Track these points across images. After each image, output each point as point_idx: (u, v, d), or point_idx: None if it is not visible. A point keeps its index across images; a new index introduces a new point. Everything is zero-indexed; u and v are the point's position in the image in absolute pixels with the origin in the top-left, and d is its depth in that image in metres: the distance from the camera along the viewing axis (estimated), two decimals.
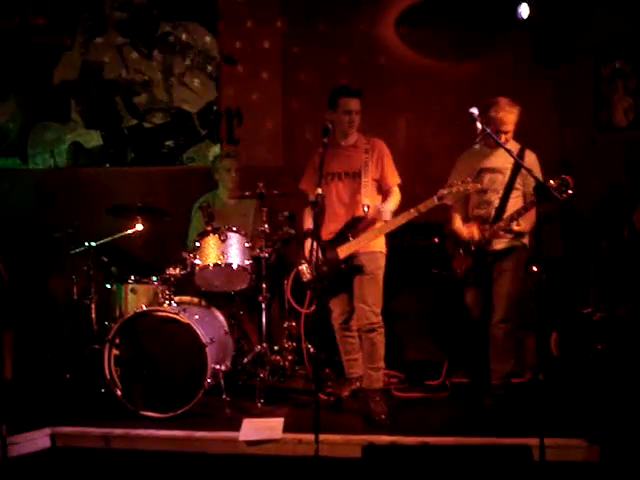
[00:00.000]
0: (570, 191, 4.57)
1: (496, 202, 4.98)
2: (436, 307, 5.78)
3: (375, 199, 4.87)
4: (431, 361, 5.66)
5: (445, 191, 4.61)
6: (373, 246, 4.85)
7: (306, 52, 6.74)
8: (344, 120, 4.86)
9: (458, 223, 5.07)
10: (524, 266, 5.08)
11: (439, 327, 5.74)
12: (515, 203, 4.96)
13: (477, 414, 4.82)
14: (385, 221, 4.75)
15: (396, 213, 4.80)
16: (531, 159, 4.95)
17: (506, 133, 4.89)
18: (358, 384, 5.18)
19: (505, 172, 4.97)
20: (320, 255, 4.78)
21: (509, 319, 4.94)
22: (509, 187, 4.96)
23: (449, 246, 5.19)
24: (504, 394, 4.94)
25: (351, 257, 4.82)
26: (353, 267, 4.82)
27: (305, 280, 4.96)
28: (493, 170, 5.00)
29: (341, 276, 4.85)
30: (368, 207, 4.78)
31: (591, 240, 5.76)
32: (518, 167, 4.86)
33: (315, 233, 4.46)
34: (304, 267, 4.95)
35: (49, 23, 6.98)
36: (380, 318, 4.82)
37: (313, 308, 5.14)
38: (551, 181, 4.58)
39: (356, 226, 4.83)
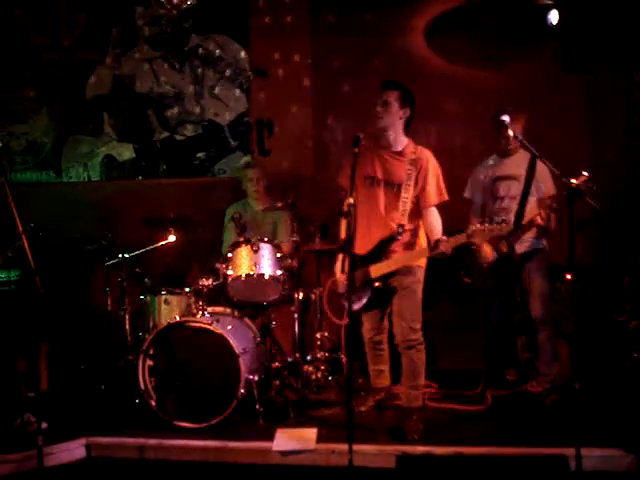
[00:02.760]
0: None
1: (514, 208, 5.08)
2: (470, 316, 5.74)
3: (410, 216, 4.67)
4: (465, 370, 5.62)
5: (476, 228, 4.34)
6: (408, 261, 4.70)
7: (336, 62, 6.74)
8: (373, 113, 4.70)
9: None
10: (547, 268, 5.18)
11: (473, 336, 5.69)
12: (532, 209, 5.07)
13: (512, 424, 4.77)
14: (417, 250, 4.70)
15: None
16: (542, 167, 5.01)
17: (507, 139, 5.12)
18: (383, 394, 5.16)
19: (520, 179, 5.10)
20: (353, 270, 4.73)
21: (548, 320, 5.08)
22: (525, 193, 5.07)
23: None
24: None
25: (386, 276, 4.68)
26: (387, 286, 4.69)
27: (341, 291, 4.87)
28: (508, 177, 5.16)
29: (376, 293, 4.73)
30: (403, 227, 4.64)
31: (626, 248, 5.69)
32: (531, 173, 5.02)
33: (348, 245, 4.35)
34: (338, 279, 4.89)
35: (81, 38, 7.08)
36: (419, 334, 4.69)
37: (346, 320, 5.11)
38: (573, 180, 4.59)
39: (389, 247, 4.68)
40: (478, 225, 4.34)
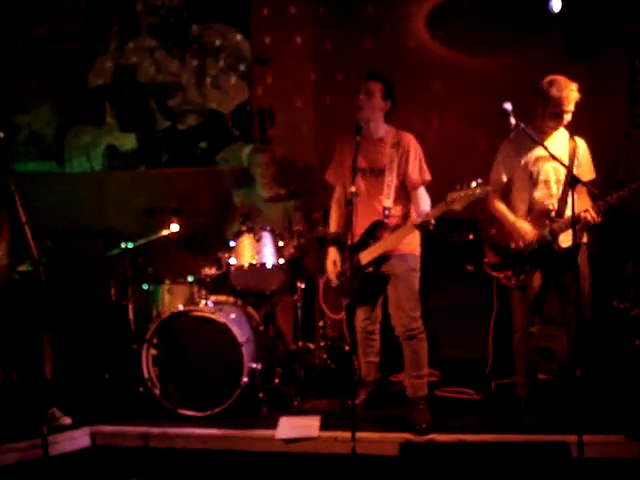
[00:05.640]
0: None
1: (558, 193, 4.60)
2: (470, 304, 5.74)
3: (399, 201, 4.67)
4: (466, 359, 5.63)
5: (454, 195, 4.29)
6: (403, 248, 4.65)
7: (338, 49, 6.72)
8: (355, 101, 4.68)
9: (512, 219, 4.65)
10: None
11: (475, 324, 5.70)
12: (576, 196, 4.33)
13: (515, 412, 4.77)
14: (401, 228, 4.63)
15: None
16: (584, 147, 4.67)
17: (567, 113, 4.58)
18: (373, 387, 5.10)
19: (564, 160, 4.49)
20: (344, 261, 4.72)
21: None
22: (569, 176, 4.36)
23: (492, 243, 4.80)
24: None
25: (378, 262, 4.63)
26: (380, 273, 4.65)
27: (334, 285, 4.87)
28: (552, 158, 4.40)
29: (368, 281, 4.68)
30: (389, 210, 4.63)
31: (629, 236, 5.69)
32: (574, 154, 4.59)
33: (347, 234, 4.33)
34: (330, 275, 4.86)
35: (82, 28, 7.07)
36: (420, 323, 4.67)
37: (342, 314, 5.10)
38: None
39: (376, 231, 4.64)
40: (455, 192, 4.29)
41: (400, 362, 4.80)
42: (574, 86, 4.58)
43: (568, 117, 4.61)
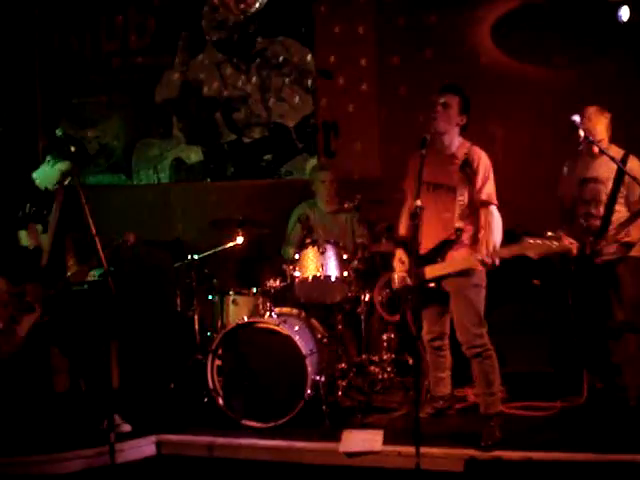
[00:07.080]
0: None
1: (600, 213, 4.89)
2: (537, 318, 5.64)
3: (469, 220, 4.60)
4: (533, 373, 5.53)
5: (532, 241, 4.30)
6: (463, 265, 4.57)
7: (401, 62, 6.73)
8: (431, 114, 4.63)
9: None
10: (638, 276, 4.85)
11: (542, 339, 5.60)
12: (619, 213, 4.87)
13: (586, 430, 4.66)
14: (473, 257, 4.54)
15: None
16: (634, 165, 4.83)
17: (598, 142, 4.82)
18: (442, 403, 5.03)
19: (607, 182, 4.88)
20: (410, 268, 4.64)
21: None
22: (612, 197, 4.86)
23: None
24: None
25: (440, 278, 4.59)
26: (441, 289, 4.62)
27: (394, 287, 4.86)
28: (595, 180, 4.92)
29: (430, 294, 4.64)
30: (461, 231, 4.56)
31: None
32: (621, 176, 4.76)
33: (413, 246, 4.28)
34: (396, 275, 4.84)
35: (150, 43, 7.22)
36: (484, 340, 4.57)
37: (397, 317, 5.08)
38: None
39: (445, 250, 4.59)
40: (532, 240, 4.30)
41: (465, 376, 4.74)
42: (602, 117, 4.89)
43: (601, 144, 4.82)
